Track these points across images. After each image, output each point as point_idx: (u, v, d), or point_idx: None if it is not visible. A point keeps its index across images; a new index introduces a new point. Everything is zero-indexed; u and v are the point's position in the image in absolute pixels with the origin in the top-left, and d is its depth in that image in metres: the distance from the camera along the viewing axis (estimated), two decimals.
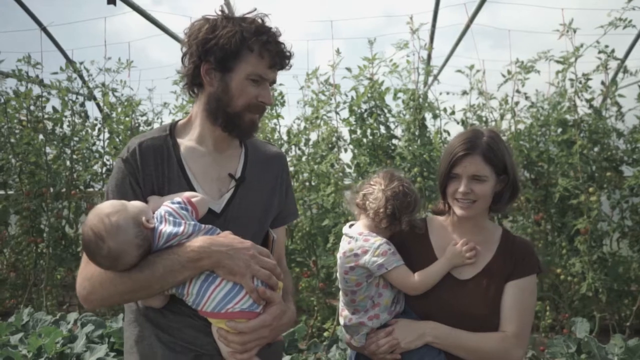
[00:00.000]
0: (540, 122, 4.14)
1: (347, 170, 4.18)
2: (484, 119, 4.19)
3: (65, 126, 4.87)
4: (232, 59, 1.24)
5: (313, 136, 4.43)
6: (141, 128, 4.93)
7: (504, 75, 4.07)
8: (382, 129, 4.18)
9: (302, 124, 4.48)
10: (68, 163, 4.78)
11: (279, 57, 1.28)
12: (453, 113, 4.10)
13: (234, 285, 1.17)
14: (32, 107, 4.79)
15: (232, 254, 1.16)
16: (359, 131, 4.16)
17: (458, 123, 4.16)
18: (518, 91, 4.09)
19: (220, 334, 1.20)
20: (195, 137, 1.34)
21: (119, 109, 4.75)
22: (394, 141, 4.23)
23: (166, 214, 1.18)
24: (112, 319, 3.58)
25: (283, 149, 4.36)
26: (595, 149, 4.00)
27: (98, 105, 5.22)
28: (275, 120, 4.46)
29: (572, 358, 2.97)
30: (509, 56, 7.11)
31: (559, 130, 4.04)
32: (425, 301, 1.47)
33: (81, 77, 4.98)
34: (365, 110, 4.18)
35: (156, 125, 5.22)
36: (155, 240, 1.16)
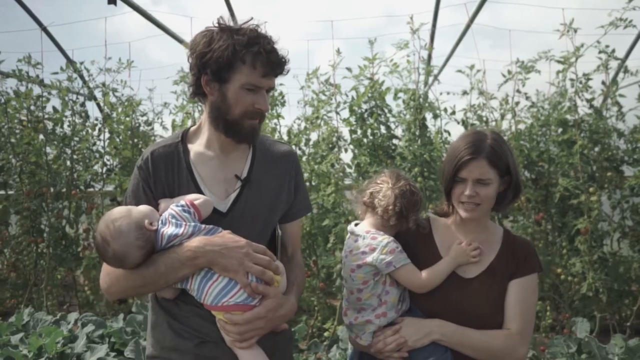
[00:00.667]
0: (540, 122, 4.14)
1: (348, 170, 4.18)
2: (484, 119, 4.19)
3: (65, 126, 4.86)
4: (226, 71, 1.32)
5: (313, 136, 4.44)
6: (141, 128, 4.93)
7: (504, 75, 4.07)
8: (383, 129, 4.18)
9: (303, 124, 4.49)
10: (68, 163, 4.78)
11: (272, 67, 1.34)
12: (453, 113, 4.10)
13: (229, 281, 1.28)
14: (32, 107, 4.78)
15: (225, 252, 1.26)
16: (359, 131, 4.16)
17: (458, 123, 4.16)
18: (518, 91, 4.09)
19: (220, 324, 1.32)
20: (203, 142, 1.44)
21: (120, 109, 4.75)
22: (395, 141, 4.23)
23: (169, 216, 1.31)
24: (113, 319, 3.58)
25: None
26: (596, 149, 4.00)
27: (98, 105, 5.21)
28: (275, 120, 4.47)
29: (573, 358, 2.97)
30: (510, 56, 7.12)
31: (560, 130, 4.04)
32: (430, 299, 1.49)
33: (81, 77, 4.98)
34: (366, 110, 4.18)
35: (156, 125, 5.24)
36: (159, 240, 1.29)
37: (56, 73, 4.72)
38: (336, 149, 4.26)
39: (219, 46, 1.30)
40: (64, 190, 4.69)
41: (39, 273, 4.72)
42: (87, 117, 4.99)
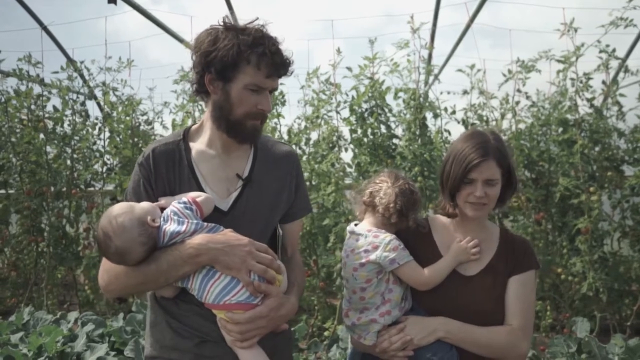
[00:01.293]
0: (541, 122, 4.14)
1: (348, 169, 4.18)
2: (484, 118, 4.19)
3: (65, 125, 4.86)
4: (230, 71, 1.32)
5: (314, 135, 4.44)
6: (142, 127, 4.93)
7: (504, 75, 4.07)
8: (383, 129, 4.17)
9: (303, 123, 4.49)
10: (69, 162, 4.78)
11: (276, 68, 1.34)
12: (454, 112, 4.09)
13: (231, 279, 1.27)
14: (32, 106, 4.79)
15: (227, 250, 1.26)
16: (359, 130, 4.16)
17: (459, 122, 4.16)
18: (519, 90, 4.09)
19: (221, 323, 1.31)
20: (205, 140, 1.44)
21: (120, 108, 4.75)
22: (395, 140, 4.23)
23: (171, 213, 1.30)
24: (113, 318, 3.59)
25: None
26: (596, 149, 4.00)
27: (99, 104, 5.21)
28: (275, 120, 4.46)
29: (573, 358, 2.97)
30: (510, 55, 7.11)
31: (560, 129, 4.04)
32: (432, 297, 1.50)
33: (82, 76, 4.97)
34: (366, 109, 4.17)
35: (157, 125, 5.24)
36: (161, 237, 1.29)
37: (56, 72, 4.73)
38: (336, 149, 4.26)
39: (224, 45, 1.30)
40: (65, 189, 4.70)
41: (39, 272, 4.73)
42: (88, 116, 4.99)
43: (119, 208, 1.28)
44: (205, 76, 1.34)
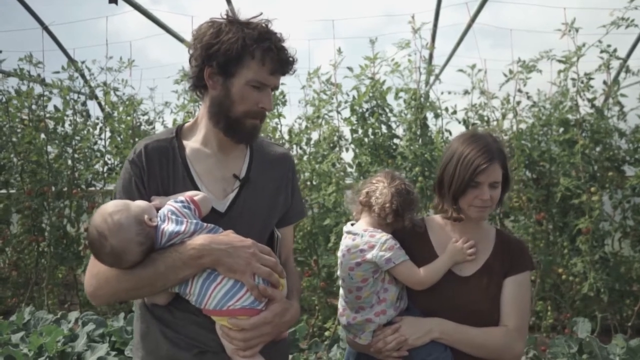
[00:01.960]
0: (542, 122, 4.13)
1: (349, 169, 4.18)
2: (485, 118, 4.18)
3: (66, 125, 4.87)
4: (233, 65, 1.26)
5: (314, 135, 4.44)
6: (143, 127, 4.93)
7: (505, 75, 4.06)
8: (384, 129, 4.17)
9: (304, 123, 4.49)
10: (69, 162, 4.79)
11: (281, 64, 1.29)
12: (455, 112, 4.09)
13: (235, 283, 1.20)
14: (33, 106, 4.80)
15: (232, 252, 1.18)
16: (360, 130, 4.16)
17: (460, 123, 4.15)
18: (520, 90, 4.08)
19: (223, 331, 1.22)
20: (200, 138, 1.37)
21: (121, 108, 4.76)
22: (396, 141, 4.23)
23: (169, 212, 1.21)
24: (113, 318, 3.58)
25: None
26: (597, 149, 3.99)
27: (99, 104, 5.22)
28: (276, 120, 4.47)
29: (574, 358, 2.96)
30: (511, 55, 7.11)
31: (561, 129, 4.03)
32: (428, 298, 1.50)
33: (83, 76, 4.98)
34: (367, 109, 4.17)
35: (157, 125, 5.24)
36: (158, 238, 1.20)
37: (57, 72, 4.74)
38: (337, 149, 4.26)
39: (228, 38, 1.23)
40: (65, 189, 4.70)
41: (40, 272, 4.73)
42: (89, 116, 5.00)
43: (113, 205, 1.18)
44: (204, 70, 1.28)
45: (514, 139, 3.97)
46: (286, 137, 4.51)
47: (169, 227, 1.19)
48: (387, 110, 4.17)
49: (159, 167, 1.31)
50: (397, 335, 1.45)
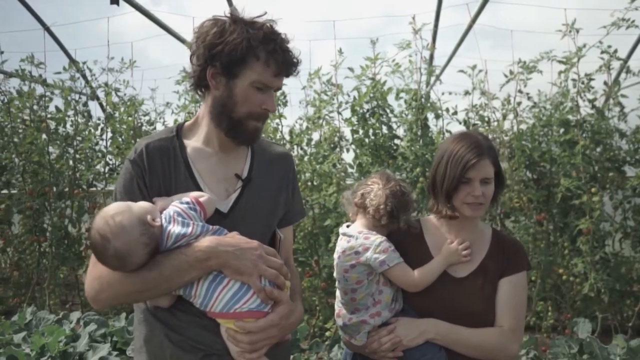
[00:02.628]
0: (542, 122, 4.13)
1: (349, 170, 4.18)
2: (486, 119, 4.19)
3: (68, 126, 4.89)
4: (237, 66, 1.23)
5: (315, 136, 4.45)
6: (144, 128, 4.94)
7: (506, 76, 4.07)
8: (385, 129, 4.18)
9: (305, 124, 4.49)
10: (71, 162, 4.80)
11: (285, 66, 1.27)
12: (455, 113, 4.10)
13: (241, 285, 1.19)
14: (35, 107, 4.81)
15: (239, 254, 1.17)
16: (361, 131, 4.17)
17: (460, 123, 4.16)
18: (520, 91, 4.08)
19: (229, 334, 1.21)
20: (202, 138, 1.35)
21: (122, 109, 4.77)
22: (396, 141, 4.23)
23: (175, 214, 1.19)
24: (115, 318, 3.59)
25: None
26: (598, 149, 3.99)
27: (101, 104, 5.23)
28: (277, 120, 4.47)
29: (574, 358, 2.97)
30: (511, 56, 7.11)
31: (562, 130, 4.03)
32: (423, 299, 1.50)
33: (84, 76, 4.99)
34: (368, 110, 4.18)
35: (159, 125, 5.24)
36: (164, 240, 1.17)
37: (59, 73, 4.75)
38: (338, 149, 4.27)
39: (233, 39, 1.20)
40: (67, 189, 4.71)
41: (42, 272, 4.74)
42: (90, 116, 5.01)
43: (115, 207, 1.16)
44: (207, 69, 1.25)
45: (515, 139, 3.97)
46: (287, 137, 4.52)
47: (175, 228, 1.17)
48: (388, 110, 4.18)
49: (161, 167, 1.29)
50: (391, 336, 1.46)
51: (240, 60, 1.22)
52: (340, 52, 4.19)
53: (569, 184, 3.68)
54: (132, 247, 1.13)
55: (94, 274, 1.21)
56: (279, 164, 1.45)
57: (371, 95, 4.10)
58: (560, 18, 3.89)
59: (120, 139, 4.69)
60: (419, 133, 4.00)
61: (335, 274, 1.58)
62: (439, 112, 4.03)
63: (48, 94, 4.80)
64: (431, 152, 3.86)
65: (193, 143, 1.35)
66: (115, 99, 4.81)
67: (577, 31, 3.73)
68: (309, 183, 4.19)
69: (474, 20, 4.99)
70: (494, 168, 1.49)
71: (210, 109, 1.31)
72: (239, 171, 1.36)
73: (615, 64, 3.96)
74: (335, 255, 1.57)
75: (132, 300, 1.27)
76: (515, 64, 4.05)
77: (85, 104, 4.98)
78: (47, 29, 5.71)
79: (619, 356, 2.90)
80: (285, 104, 4.48)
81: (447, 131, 4.11)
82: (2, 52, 4.90)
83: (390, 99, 4.15)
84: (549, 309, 3.92)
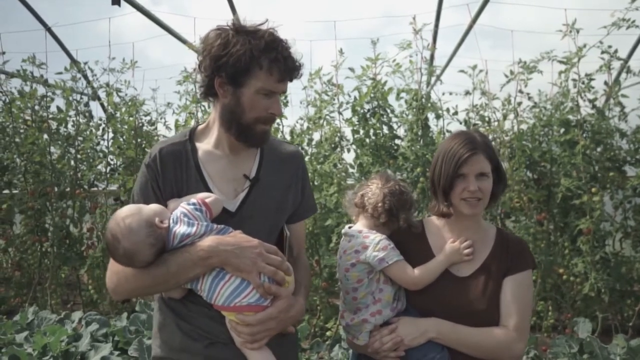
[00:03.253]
0: (543, 122, 4.13)
1: (350, 170, 4.19)
2: (486, 119, 4.19)
3: (69, 126, 4.90)
4: (242, 76, 1.31)
5: (316, 136, 4.45)
6: (145, 128, 4.95)
7: (506, 76, 4.07)
8: (385, 129, 4.18)
9: (305, 124, 4.50)
10: (72, 162, 4.80)
11: (288, 72, 1.34)
12: (456, 113, 4.10)
13: (242, 281, 1.27)
14: (36, 107, 4.81)
15: (238, 252, 1.25)
16: (361, 131, 4.18)
17: (461, 123, 4.16)
18: (521, 91, 4.08)
19: (231, 325, 1.31)
20: (212, 141, 1.43)
21: (123, 109, 4.77)
22: (397, 141, 4.23)
23: (181, 214, 1.29)
24: (116, 318, 3.61)
25: None
26: (598, 149, 4.00)
27: (102, 105, 5.24)
28: (278, 120, 4.48)
29: (575, 358, 2.97)
30: (512, 56, 7.11)
31: (562, 130, 4.04)
32: (426, 298, 1.51)
33: (85, 77, 5.00)
34: (368, 110, 4.19)
35: (160, 125, 5.25)
36: (170, 239, 1.28)
37: (60, 73, 4.75)
38: (339, 149, 4.27)
39: (236, 50, 1.28)
40: (68, 189, 4.72)
41: (43, 272, 4.75)
42: (91, 116, 5.02)
43: (127, 210, 1.28)
44: (214, 79, 1.33)
45: (515, 139, 3.97)
46: (288, 137, 4.52)
47: (180, 229, 1.27)
48: (389, 110, 4.18)
49: (173, 170, 1.39)
50: (393, 335, 1.46)
51: (244, 70, 1.30)
52: (341, 52, 4.19)
53: (570, 184, 3.69)
54: (139, 247, 1.24)
55: (113, 269, 1.34)
56: (288, 163, 1.51)
57: (372, 95, 4.10)
58: (561, 18, 3.89)
59: (121, 139, 4.70)
60: (420, 133, 4.01)
61: (337, 274, 1.60)
62: (440, 112, 4.03)
63: (49, 94, 4.80)
64: (432, 152, 3.86)
65: (204, 146, 1.43)
66: (116, 99, 4.82)
67: (578, 31, 3.73)
68: (310, 183, 4.19)
69: (474, 21, 5.00)
70: (491, 164, 1.49)
71: (220, 115, 1.39)
72: (247, 172, 1.44)
73: (616, 64, 3.97)
74: (337, 256, 1.59)
75: (146, 292, 1.41)
76: (515, 64, 4.05)
77: (87, 104, 4.99)
78: (48, 29, 5.72)
79: (619, 356, 2.91)
80: (286, 105, 4.48)
81: (447, 131, 4.11)
82: (3, 53, 4.92)
83: (391, 99, 4.16)
84: (549, 309, 3.93)
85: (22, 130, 4.84)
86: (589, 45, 3.74)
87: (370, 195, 1.54)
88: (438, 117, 4.05)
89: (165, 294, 1.39)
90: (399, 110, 4.20)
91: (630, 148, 4.03)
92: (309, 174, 4.11)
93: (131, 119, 4.72)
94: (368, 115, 4.16)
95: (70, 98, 4.77)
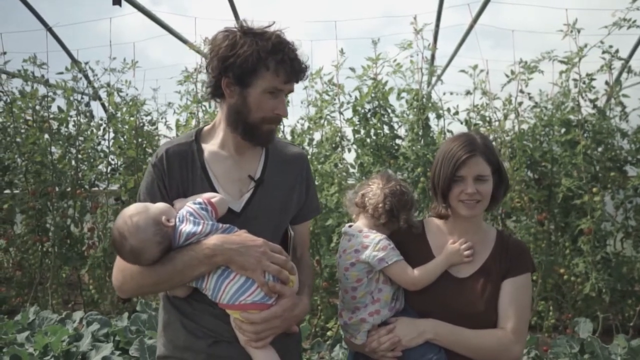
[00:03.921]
0: (543, 122, 4.13)
1: (351, 170, 4.19)
2: (487, 119, 4.19)
3: (70, 126, 4.90)
4: (249, 76, 1.33)
5: (317, 136, 4.46)
6: (146, 128, 4.95)
7: (507, 76, 4.07)
8: (386, 129, 4.18)
9: (306, 124, 4.50)
10: (73, 162, 4.81)
11: (294, 73, 1.37)
12: (457, 113, 4.10)
13: (246, 280, 1.28)
14: (37, 107, 4.82)
15: (243, 251, 1.27)
16: (362, 131, 4.18)
17: (462, 123, 4.16)
18: (522, 91, 4.08)
19: (236, 323, 1.32)
20: (218, 142, 1.45)
21: (124, 109, 4.78)
22: (398, 141, 4.24)
23: (187, 214, 1.31)
24: (117, 318, 3.61)
25: None
26: (599, 149, 4.00)
27: (103, 105, 5.24)
28: None
29: (575, 358, 2.97)
30: (512, 56, 7.11)
31: (563, 130, 4.03)
32: (424, 299, 1.51)
33: (86, 77, 5.00)
34: (369, 110, 4.19)
35: (160, 125, 5.25)
36: (176, 238, 1.29)
37: (61, 73, 4.76)
38: (339, 149, 4.27)
39: (244, 51, 1.30)
40: (69, 189, 4.73)
41: (44, 272, 4.76)
42: (92, 116, 5.02)
43: (134, 208, 1.29)
44: (222, 80, 1.35)
45: (516, 139, 3.97)
46: (289, 137, 4.52)
47: (186, 228, 1.29)
48: (389, 110, 4.18)
49: (179, 170, 1.40)
50: (391, 335, 1.46)
51: (251, 71, 1.32)
52: (342, 52, 4.20)
53: (570, 184, 3.69)
54: (146, 245, 1.26)
55: (119, 266, 1.35)
56: (293, 164, 1.52)
57: (372, 95, 4.10)
58: (562, 18, 3.88)
59: (122, 139, 4.70)
60: (421, 133, 4.01)
61: (337, 274, 1.60)
62: (440, 112, 4.03)
63: (50, 94, 4.81)
64: (432, 152, 3.86)
65: (210, 147, 1.45)
66: (117, 99, 4.82)
67: (579, 31, 3.73)
68: (314, 185, 4.19)
69: (475, 21, 4.99)
70: (491, 166, 1.48)
71: (227, 116, 1.41)
72: (252, 173, 1.45)
73: (617, 64, 3.97)
74: (337, 255, 1.59)
75: (151, 290, 1.43)
76: (516, 64, 4.05)
77: (88, 104, 4.99)
78: (49, 29, 5.73)
79: (620, 356, 2.91)
80: (287, 104, 4.47)
81: (448, 131, 4.11)
82: (4, 53, 4.93)
83: (392, 99, 4.16)
84: (550, 309, 3.93)
85: (23, 130, 4.84)
86: (589, 45, 3.75)
87: (371, 195, 1.55)
88: (439, 117, 4.05)
89: (170, 293, 1.41)
90: (400, 110, 4.21)
91: (631, 148, 4.02)
92: None
93: (132, 118, 4.72)
94: (369, 115, 4.17)
95: (71, 98, 4.77)
